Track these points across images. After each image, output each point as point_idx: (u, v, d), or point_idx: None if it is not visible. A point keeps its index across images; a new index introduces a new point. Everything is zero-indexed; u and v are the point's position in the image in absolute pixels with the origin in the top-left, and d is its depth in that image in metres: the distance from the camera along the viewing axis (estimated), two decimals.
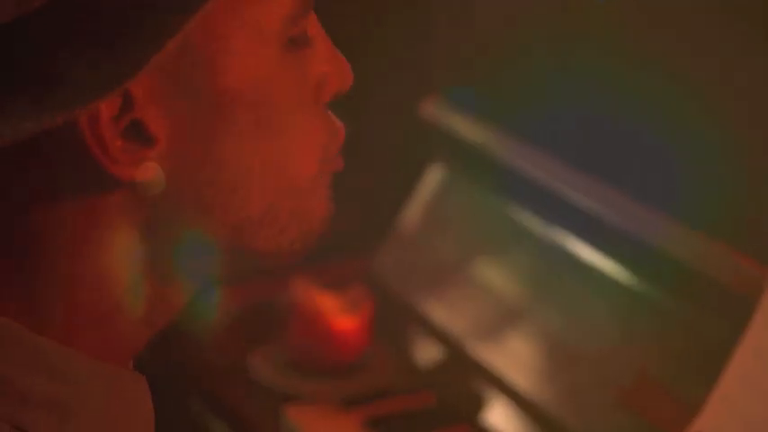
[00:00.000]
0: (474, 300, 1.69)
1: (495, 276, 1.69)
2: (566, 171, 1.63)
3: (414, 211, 1.82)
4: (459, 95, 1.83)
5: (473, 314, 1.69)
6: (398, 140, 1.95)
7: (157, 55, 0.67)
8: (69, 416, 0.72)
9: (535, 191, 1.65)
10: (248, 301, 1.80)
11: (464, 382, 1.64)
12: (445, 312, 1.71)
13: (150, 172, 0.71)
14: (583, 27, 1.70)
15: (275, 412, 1.58)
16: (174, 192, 0.73)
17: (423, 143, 1.87)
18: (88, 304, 0.74)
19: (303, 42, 0.75)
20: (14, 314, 0.72)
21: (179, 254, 0.75)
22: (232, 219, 0.75)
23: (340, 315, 1.67)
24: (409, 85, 1.91)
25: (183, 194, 0.73)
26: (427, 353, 1.72)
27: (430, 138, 1.85)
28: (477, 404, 1.61)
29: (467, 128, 1.78)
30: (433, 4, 1.92)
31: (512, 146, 1.72)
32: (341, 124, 0.79)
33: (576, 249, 1.58)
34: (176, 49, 0.69)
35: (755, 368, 1.29)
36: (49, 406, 0.72)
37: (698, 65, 1.53)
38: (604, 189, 1.57)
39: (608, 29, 1.66)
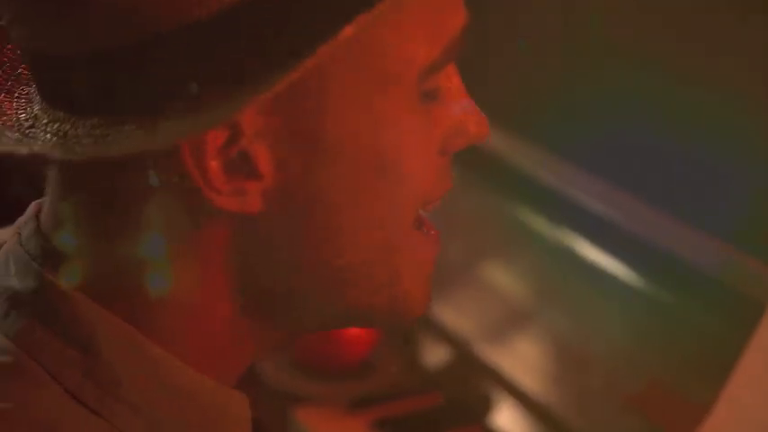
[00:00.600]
0: (482, 301, 1.69)
1: (504, 278, 1.69)
2: (575, 173, 1.63)
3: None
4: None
5: (481, 316, 1.69)
6: None
7: (264, 96, 0.64)
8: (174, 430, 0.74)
9: (544, 193, 1.65)
10: None
11: (472, 384, 1.65)
12: (453, 314, 1.71)
13: (254, 205, 0.70)
14: (587, 32, 1.70)
15: (284, 414, 1.58)
16: (270, 230, 0.71)
17: None
18: (197, 330, 0.74)
19: (435, 96, 0.73)
20: (138, 327, 0.73)
21: (270, 297, 0.74)
22: (324, 265, 0.73)
23: None
24: None
25: (278, 233, 0.72)
26: (435, 354, 1.72)
27: None
28: (485, 406, 1.61)
29: None
30: None
31: (520, 148, 1.72)
32: (451, 176, 0.76)
33: (585, 252, 1.58)
34: (290, 90, 0.66)
35: (764, 371, 1.29)
36: (158, 417, 0.73)
37: (699, 63, 1.54)
38: (614, 192, 1.57)
39: (610, 32, 1.66)
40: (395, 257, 0.74)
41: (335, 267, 0.73)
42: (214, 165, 0.68)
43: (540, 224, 1.66)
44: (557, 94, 1.73)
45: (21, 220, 0.77)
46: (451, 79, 0.75)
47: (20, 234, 0.76)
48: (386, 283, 0.75)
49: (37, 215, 0.76)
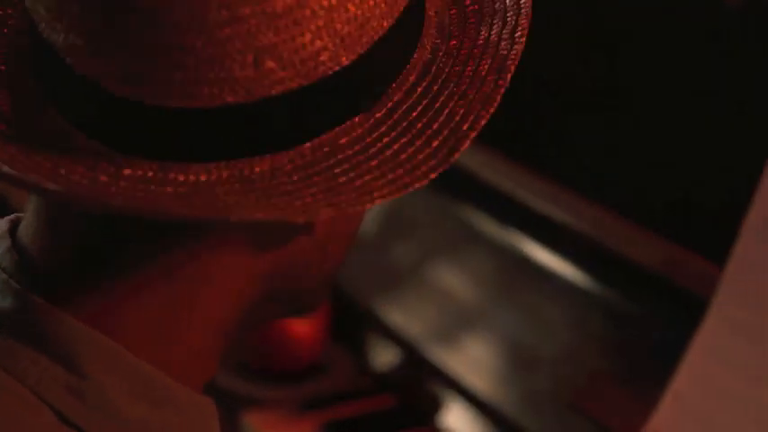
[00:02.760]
0: (431, 303, 1.70)
1: (452, 279, 1.69)
2: (521, 173, 1.64)
3: (370, 215, 1.83)
4: None
5: (430, 317, 1.69)
6: None
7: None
8: None
9: (491, 193, 1.66)
10: None
11: (422, 385, 1.65)
12: (402, 315, 1.71)
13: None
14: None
15: (234, 418, 1.58)
16: (282, 254, 0.75)
17: None
18: (192, 339, 0.75)
19: None
20: (128, 342, 0.73)
21: (266, 308, 0.77)
22: (312, 285, 0.79)
23: (296, 319, 1.67)
24: None
25: (294, 266, 0.76)
26: (384, 356, 1.73)
27: None
28: (434, 407, 1.61)
29: None
30: None
31: (468, 149, 1.72)
32: None
33: (532, 252, 1.59)
34: None
35: (708, 366, 1.31)
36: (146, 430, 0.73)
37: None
38: (560, 191, 1.58)
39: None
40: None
41: (317, 283, 0.80)
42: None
43: (487, 225, 1.67)
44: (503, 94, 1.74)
45: None
46: None
47: None
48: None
49: (10, 231, 0.75)
